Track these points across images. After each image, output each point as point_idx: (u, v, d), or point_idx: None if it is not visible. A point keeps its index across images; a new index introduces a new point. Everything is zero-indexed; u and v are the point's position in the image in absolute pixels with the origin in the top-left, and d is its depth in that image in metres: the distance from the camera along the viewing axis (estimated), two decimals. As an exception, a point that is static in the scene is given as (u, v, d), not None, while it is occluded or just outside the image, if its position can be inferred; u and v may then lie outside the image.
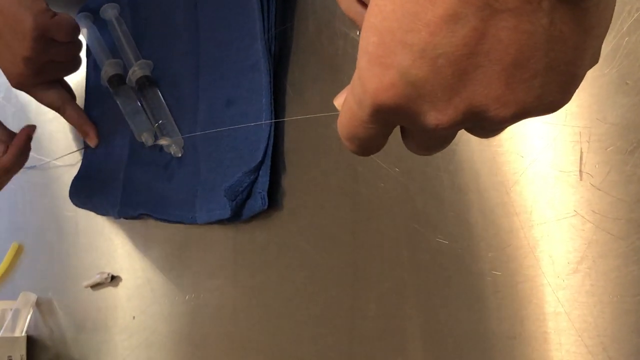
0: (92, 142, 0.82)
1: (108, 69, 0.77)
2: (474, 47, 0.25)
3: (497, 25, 0.25)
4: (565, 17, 0.25)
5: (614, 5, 0.27)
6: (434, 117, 0.28)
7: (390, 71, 0.27)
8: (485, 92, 0.26)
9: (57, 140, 0.92)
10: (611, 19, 0.27)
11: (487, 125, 0.28)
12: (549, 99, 0.27)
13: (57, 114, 0.84)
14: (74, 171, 0.85)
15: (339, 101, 0.35)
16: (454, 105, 0.27)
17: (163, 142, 0.70)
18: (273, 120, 0.62)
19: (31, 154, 0.94)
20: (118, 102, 0.76)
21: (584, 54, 0.26)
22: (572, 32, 0.25)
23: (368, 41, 0.28)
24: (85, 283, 0.82)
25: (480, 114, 0.27)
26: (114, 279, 0.80)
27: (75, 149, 0.88)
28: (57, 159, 0.90)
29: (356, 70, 0.29)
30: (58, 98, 0.80)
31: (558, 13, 0.24)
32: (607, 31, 0.27)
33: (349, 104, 0.31)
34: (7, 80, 1.01)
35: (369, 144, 0.33)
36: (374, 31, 0.27)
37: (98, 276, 0.80)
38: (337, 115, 0.34)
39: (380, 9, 0.27)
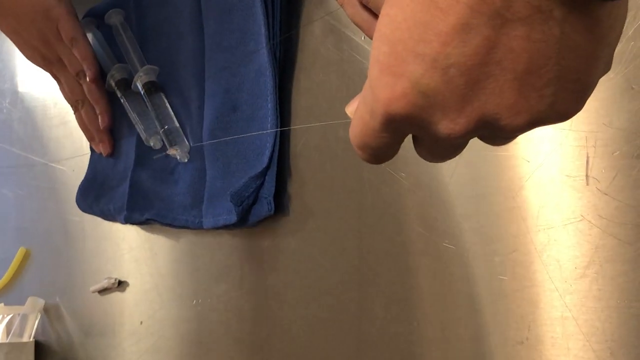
0: (105, 150, 0.82)
1: (115, 73, 0.77)
2: (485, 57, 0.25)
3: (508, 34, 0.25)
4: (577, 26, 0.25)
5: (626, 14, 0.26)
6: (446, 126, 0.28)
7: (402, 81, 0.27)
8: (498, 101, 0.26)
9: (64, 146, 0.92)
10: (623, 27, 0.26)
11: (500, 133, 0.28)
12: (562, 107, 0.27)
13: (63, 118, 0.84)
14: (80, 176, 0.86)
15: (350, 109, 0.35)
16: (466, 115, 0.27)
17: (172, 152, 0.71)
18: (279, 129, 0.62)
19: (37, 158, 0.95)
20: (125, 106, 0.76)
21: (596, 62, 0.26)
22: (584, 41, 0.25)
23: (379, 51, 0.28)
24: (93, 288, 0.82)
25: (493, 123, 0.27)
26: (121, 284, 0.80)
27: (82, 153, 0.88)
28: (61, 162, 0.91)
29: (367, 80, 0.29)
30: (72, 95, 0.81)
31: (570, 22, 0.24)
32: (619, 39, 0.27)
33: (360, 112, 0.31)
34: (12, 86, 1.02)
35: (381, 152, 0.33)
36: (385, 41, 0.27)
37: (105, 281, 0.80)
38: (342, 122, 0.34)
39: (391, 18, 0.27)
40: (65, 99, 0.83)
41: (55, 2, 0.78)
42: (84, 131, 0.84)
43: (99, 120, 0.81)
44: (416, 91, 0.27)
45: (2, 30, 0.80)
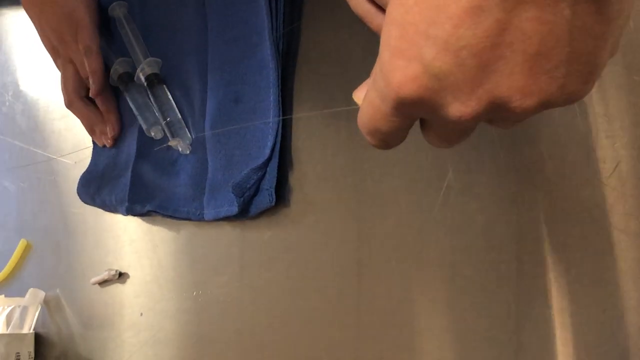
0: (108, 141, 0.82)
1: (118, 67, 0.77)
2: (497, 39, 0.26)
3: (520, 16, 0.25)
4: (588, 8, 0.25)
5: None
6: (457, 108, 0.28)
7: (414, 64, 0.27)
8: (508, 83, 0.27)
9: (65, 139, 0.92)
10: (631, 10, 0.27)
11: (509, 116, 0.29)
12: (571, 89, 0.27)
13: (65, 111, 0.84)
14: (81, 168, 0.86)
15: (358, 95, 0.35)
16: (477, 97, 0.27)
17: (173, 143, 0.71)
18: (281, 117, 0.62)
19: (39, 151, 0.95)
20: (128, 98, 0.77)
21: (605, 44, 0.27)
22: (594, 23, 0.25)
23: (390, 35, 0.28)
24: (93, 280, 0.82)
25: (504, 105, 0.28)
26: (121, 276, 0.80)
27: (83, 146, 0.88)
28: (62, 155, 0.91)
29: (377, 64, 0.30)
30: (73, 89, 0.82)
31: (580, 4, 0.25)
32: (627, 21, 0.27)
33: (370, 98, 0.31)
34: (14, 79, 1.02)
35: (391, 137, 0.33)
36: (396, 25, 0.28)
37: (106, 273, 0.80)
38: (344, 110, 0.34)
39: (402, 2, 0.27)
40: (62, 90, 0.83)
41: (82, 7, 0.78)
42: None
43: (108, 130, 0.81)
44: (428, 74, 0.27)
45: (26, 12, 0.81)
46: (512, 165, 0.50)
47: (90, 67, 0.78)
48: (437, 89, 0.27)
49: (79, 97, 0.82)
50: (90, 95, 0.79)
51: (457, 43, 0.26)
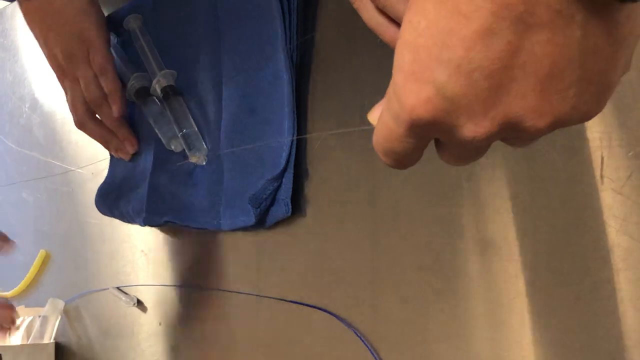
0: (126, 155, 0.82)
1: (134, 82, 0.78)
2: (508, 61, 0.26)
3: (531, 39, 0.25)
4: (598, 30, 0.25)
5: None
6: (471, 129, 0.28)
7: (427, 87, 0.28)
8: (521, 104, 0.27)
9: (82, 150, 0.93)
10: None
11: (523, 135, 0.29)
12: (584, 108, 0.28)
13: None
14: (99, 179, 0.87)
15: (373, 116, 0.35)
16: (491, 118, 0.28)
17: (194, 159, 0.71)
18: (295, 137, 0.62)
19: (57, 162, 0.96)
20: (145, 112, 0.77)
21: (617, 64, 0.27)
22: (605, 44, 0.26)
23: (403, 58, 0.28)
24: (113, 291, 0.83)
25: (517, 125, 0.28)
26: (140, 303, 0.81)
27: (101, 158, 0.89)
28: (81, 167, 0.92)
29: (391, 87, 0.30)
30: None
31: (591, 25, 0.25)
32: (638, 40, 0.27)
33: (384, 119, 0.32)
34: (31, 91, 1.03)
35: (406, 157, 0.33)
36: (408, 48, 0.28)
37: (124, 299, 0.81)
38: (355, 124, 0.34)
39: (414, 26, 0.27)
40: (71, 110, 0.83)
41: (92, 26, 0.78)
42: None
43: (127, 147, 0.81)
44: (441, 96, 0.27)
45: (31, 30, 0.80)
46: (526, 174, 0.50)
47: (107, 87, 0.78)
48: (451, 110, 0.28)
49: (89, 117, 0.81)
50: (114, 115, 0.78)
51: (469, 66, 0.26)
